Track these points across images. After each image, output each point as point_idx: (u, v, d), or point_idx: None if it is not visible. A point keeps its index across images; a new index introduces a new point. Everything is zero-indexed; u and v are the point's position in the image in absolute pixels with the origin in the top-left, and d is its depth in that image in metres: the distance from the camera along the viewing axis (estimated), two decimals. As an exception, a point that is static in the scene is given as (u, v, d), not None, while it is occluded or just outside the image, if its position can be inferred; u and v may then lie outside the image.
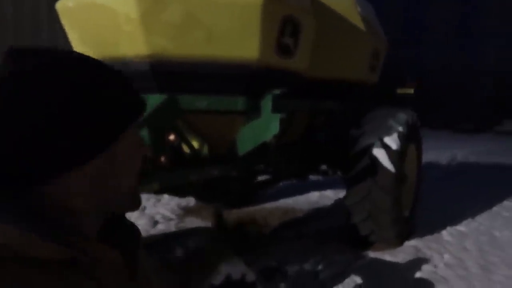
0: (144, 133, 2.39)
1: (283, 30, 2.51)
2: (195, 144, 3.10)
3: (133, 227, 0.68)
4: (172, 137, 2.48)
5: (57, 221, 0.53)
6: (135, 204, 0.63)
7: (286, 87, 2.71)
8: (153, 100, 2.48)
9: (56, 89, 0.52)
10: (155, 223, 4.41)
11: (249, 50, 2.39)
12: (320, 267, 3.34)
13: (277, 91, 2.60)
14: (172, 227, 4.34)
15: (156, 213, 4.69)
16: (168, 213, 4.70)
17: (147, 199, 4.92)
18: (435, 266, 3.35)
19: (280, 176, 4.09)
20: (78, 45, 2.57)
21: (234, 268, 1.69)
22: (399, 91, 4.10)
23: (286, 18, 2.46)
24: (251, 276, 1.81)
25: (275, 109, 2.61)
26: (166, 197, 5.05)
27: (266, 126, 2.65)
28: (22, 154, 0.51)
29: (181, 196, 3.96)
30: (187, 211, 4.75)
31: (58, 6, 2.51)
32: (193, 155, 2.80)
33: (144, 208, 4.82)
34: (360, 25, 3.26)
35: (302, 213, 4.90)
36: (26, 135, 0.50)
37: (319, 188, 5.86)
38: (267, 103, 2.63)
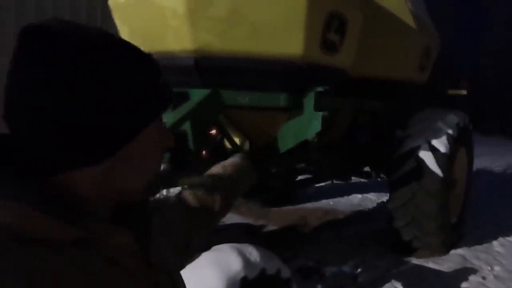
0: (187, 126, 2.44)
1: (329, 26, 2.46)
2: (237, 139, 3.12)
3: (145, 206, 0.64)
4: (213, 131, 2.51)
5: (65, 201, 0.52)
6: (148, 195, 0.61)
7: (330, 85, 2.66)
8: (197, 94, 2.52)
9: (72, 84, 0.48)
10: (196, 217, 4.49)
11: (293, 46, 2.36)
12: (358, 270, 3.26)
13: (320, 88, 2.55)
14: (211, 221, 4.40)
15: (197, 207, 4.77)
16: (208, 208, 4.76)
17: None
18: (484, 278, 3.16)
19: (321, 176, 4.02)
20: (126, 37, 2.65)
21: (269, 263, 1.69)
22: (451, 91, 3.88)
23: (332, 13, 2.41)
24: (286, 272, 1.80)
25: (318, 106, 2.57)
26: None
27: (308, 124, 2.61)
28: (34, 145, 0.49)
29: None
30: (227, 207, 4.80)
31: (111, 2, 2.62)
32: (235, 151, 2.82)
33: (186, 202, 4.92)
34: (410, 21, 3.14)
35: (343, 214, 4.81)
36: (39, 125, 0.48)
37: (362, 190, 5.72)
38: (309, 101, 2.59)
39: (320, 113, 2.55)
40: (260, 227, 4.29)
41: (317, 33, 2.41)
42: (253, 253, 1.61)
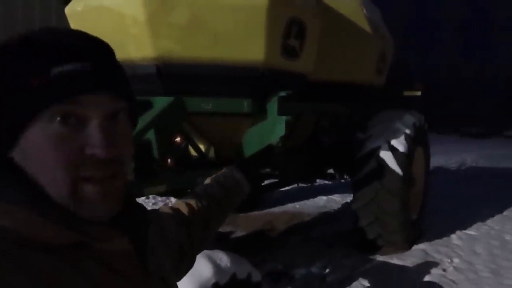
0: (151, 135, 2.41)
1: (289, 32, 2.51)
2: (202, 146, 3.11)
3: (144, 215, 0.64)
4: (178, 139, 2.49)
5: (63, 205, 0.51)
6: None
7: (292, 89, 2.71)
8: (160, 102, 2.49)
9: None
10: (162, 227, 4.41)
11: (255, 52, 2.40)
12: (327, 270, 3.32)
13: (283, 93, 2.60)
14: (179, 231, 4.34)
15: (163, 217, 4.70)
16: (175, 217, 4.70)
17: (154, 201, 4.93)
18: (444, 270, 3.31)
19: (286, 180, 4.07)
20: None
21: (240, 267, 1.69)
22: (406, 93, 4.05)
23: (292, 19, 2.47)
24: (256, 276, 1.81)
25: (281, 111, 2.61)
26: (173, 199, 5.06)
27: (272, 129, 2.65)
28: None
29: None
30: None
31: (67, 10, 2.55)
32: (200, 158, 2.81)
33: (152, 212, 4.82)
34: (366, 27, 3.26)
35: (310, 217, 4.88)
36: None
37: (327, 192, 5.84)
38: (273, 105, 2.63)
39: (284, 118, 2.60)
40: (228, 233, 4.28)
41: (278, 39, 2.46)
42: (223, 259, 1.61)
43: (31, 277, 0.45)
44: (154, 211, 0.84)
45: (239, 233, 4.31)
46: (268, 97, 2.64)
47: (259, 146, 2.75)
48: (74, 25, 2.57)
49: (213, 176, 1.02)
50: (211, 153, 3.07)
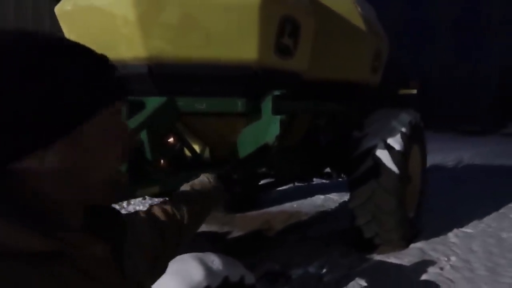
0: (143, 136, 2.38)
1: (282, 31, 2.49)
2: (197, 147, 3.08)
3: (120, 219, 0.65)
4: (171, 140, 2.46)
5: (40, 212, 0.51)
6: (109, 198, 0.60)
7: (286, 88, 2.69)
8: (152, 102, 2.46)
9: (5, 67, 0.49)
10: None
11: (247, 51, 2.37)
12: (324, 270, 3.30)
13: (277, 92, 2.57)
14: (175, 232, 4.32)
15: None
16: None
17: (150, 202, 4.90)
18: (441, 269, 3.29)
19: (283, 179, 4.05)
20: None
21: (232, 270, 1.67)
22: (402, 91, 4.00)
23: (285, 18, 2.45)
24: (250, 279, 1.79)
25: (276, 110, 2.58)
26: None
27: (267, 128, 2.62)
28: None
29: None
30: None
31: (57, 9, 2.52)
32: (194, 158, 2.78)
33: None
34: (361, 25, 3.24)
35: (307, 216, 4.86)
36: None
37: (324, 191, 5.82)
38: (267, 105, 2.60)
39: (278, 117, 2.57)
40: (225, 234, 4.26)
41: (271, 38, 2.43)
42: (216, 262, 1.59)
43: (7, 286, 0.44)
44: (128, 215, 0.83)
45: (236, 233, 4.29)
46: (263, 97, 2.62)
47: (254, 146, 2.75)
48: (64, 25, 2.54)
49: (190, 182, 1.03)
50: (206, 154, 3.04)
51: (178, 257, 1.61)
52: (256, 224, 4.52)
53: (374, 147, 3.38)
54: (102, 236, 0.59)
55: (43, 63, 0.51)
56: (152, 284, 0.78)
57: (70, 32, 2.54)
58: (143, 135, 2.37)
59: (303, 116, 3.41)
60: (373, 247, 3.60)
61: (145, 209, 0.90)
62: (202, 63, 2.36)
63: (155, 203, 0.91)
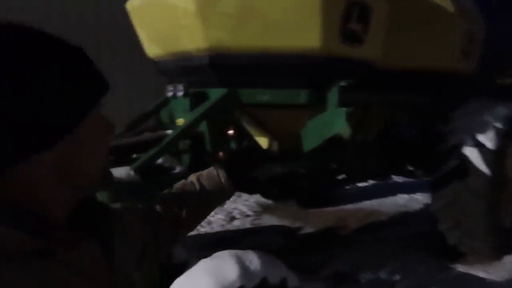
0: (203, 127, 2.39)
1: (349, 15, 2.30)
2: (264, 140, 3.03)
3: (107, 212, 0.65)
4: (231, 132, 2.43)
5: (25, 210, 0.51)
6: (96, 188, 0.62)
7: (355, 78, 2.49)
8: (215, 94, 2.46)
9: (11, 72, 0.49)
10: (232, 218, 4.46)
11: (310, 39, 2.24)
12: (397, 276, 3.03)
13: (343, 83, 2.40)
14: (247, 223, 4.34)
15: (234, 208, 4.74)
16: (246, 210, 4.72)
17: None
18: (543, 288, 2.81)
19: (356, 176, 3.81)
20: (146, 42, 2.66)
21: (272, 271, 1.58)
22: (500, 81, 3.42)
23: (352, 2, 2.25)
24: (293, 281, 1.68)
25: (342, 102, 2.42)
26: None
27: (332, 121, 2.46)
28: None
29: (250, 194, 3.93)
30: (265, 209, 4.72)
31: (128, 5, 2.63)
32: (261, 151, 2.73)
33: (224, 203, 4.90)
34: (447, 5, 2.87)
35: (386, 216, 4.54)
36: None
37: (409, 190, 5.38)
38: (332, 96, 2.45)
39: (344, 109, 2.40)
40: (296, 229, 4.16)
41: (336, 24, 2.26)
42: (254, 261, 1.51)
43: None
44: (116, 208, 0.80)
45: (308, 229, 4.17)
46: (328, 87, 2.46)
47: (319, 139, 2.61)
48: (135, 20, 2.65)
49: (198, 173, 0.97)
50: (274, 147, 2.97)
51: (216, 254, 1.57)
52: (330, 221, 4.34)
53: (461, 144, 3.00)
54: (90, 231, 0.58)
55: (34, 68, 0.51)
56: (141, 278, 0.74)
57: (140, 27, 2.65)
58: (203, 127, 2.38)
59: (379, 108, 3.16)
60: (456, 256, 3.22)
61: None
62: (262, 52, 2.29)
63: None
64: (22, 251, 0.48)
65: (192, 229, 0.95)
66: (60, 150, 0.53)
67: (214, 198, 0.95)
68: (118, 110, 2.54)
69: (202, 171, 0.98)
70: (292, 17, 2.18)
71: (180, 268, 1.63)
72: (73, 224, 0.58)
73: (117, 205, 0.81)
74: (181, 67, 2.51)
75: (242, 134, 2.53)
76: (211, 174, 0.96)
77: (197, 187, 0.92)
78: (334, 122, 2.45)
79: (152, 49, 2.64)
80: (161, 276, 1.07)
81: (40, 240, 0.50)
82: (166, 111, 2.72)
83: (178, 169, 2.25)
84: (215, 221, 4.33)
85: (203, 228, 4.12)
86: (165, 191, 0.92)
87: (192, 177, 0.96)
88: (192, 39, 2.32)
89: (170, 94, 2.56)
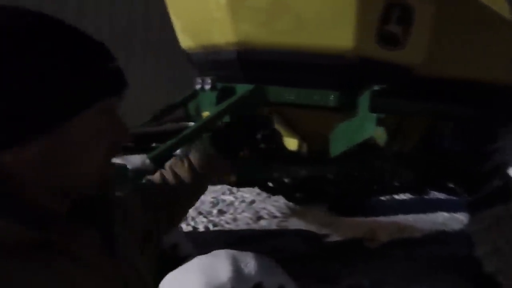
0: (226, 121, 2.35)
1: (388, 16, 2.16)
2: (293, 141, 2.95)
3: (107, 199, 0.63)
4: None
5: (22, 201, 0.50)
6: (95, 189, 0.58)
7: (391, 84, 2.34)
8: (242, 89, 2.42)
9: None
10: (259, 218, 4.40)
11: (343, 39, 2.13)
12: (422, 299, 2.84)
13: (377, 87, 2.26)
14: (273, 224, 4.27)
15: (263, 208, 4.69)
16: (274, 211, 4.65)
17: (258, 193, 4.94)
18: None
19: (389, 187, 3.62)
20: (179, 33, 2.67)
21: (269, 277, 1.50)
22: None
23: (392, 2, 2.11)
24: (291, 289, 1.59)
25: (373, 107, 2.28)
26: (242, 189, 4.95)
27: (361, 126, 2.34)
28: None
29: (273, 194, 3.84)
30: (293, 212, 4.62)
31: (166, -3, 2.65)
32: (284, 151, 2.66)
33: (253, 201, 4.87)
34: (503, 8, 2.62)
35: (421, 233, 4.29)
36: None
37: (450, 208, 5.06)
38: (364, 100, 2.31)
39: (375, 115, 2.26)
40: (322, 236, 4.03)
41: (373, 24, 2.13)
42: (250, 264, 1.44)
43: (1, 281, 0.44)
44: (116, 195, 0.80)
45: (335, 237, 4.03)
46: (360, 91, 2.33)
47: (346, 145, 2.48)
48: (171, 11, 2.66)
49: (190, 155, 0.96)
50: (304, 149, 2.89)
51: (213, 252, 1.51)
52: (359, 231, 4.17)
53: (507, 164, 2.74)
54: (90, 221, 0.58)
55: (26, 53, 0.48)
56: (144, 265, 0.73)
57: (176, 18, 2.65)
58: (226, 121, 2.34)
59: (418, 118, 2.96)
60: (493, 286, 2.95)
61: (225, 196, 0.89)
62: (292, 49, 2.21)
63: (226, 190, 0.91)
64: (22, 245, 0.47)
65: (186, 212, 0.97)
66: (42, 147, 0.50)
67: (206, 177, 0.95)
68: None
69: (193, 151, 0.98)
70: (326, 14, 2.08)
71: (183, 261, 1.60)
72: (72, 214, 0.57)
73: (117, 193, 0.80)
74: (211, 61, 2.49)
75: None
76: (202, 155, 0.95)
77: (186, 164, 0.92)
78: (364, 128, 2.32)
79: (184, 40, 2.64)
80: (160, 266, 1.05)
81: (40, 232, 0.48)
82: (194, 104, 2.72)
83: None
84: (241, 218, 4.30)
85: (228, 225, 4.11)
86: (159, 174, 0.93)
87: (182, 159, 0.95)
88: (222, 32, 2.28)
89: (198, 86, 2.54)
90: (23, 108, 0.47)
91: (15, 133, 0.47)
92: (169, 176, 0.90)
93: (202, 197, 1.15)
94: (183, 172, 0.91)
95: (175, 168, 0.92)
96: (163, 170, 0.92)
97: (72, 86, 0.49)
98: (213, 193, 4.84)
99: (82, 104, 0.51)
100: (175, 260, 1.82)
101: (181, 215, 0.96)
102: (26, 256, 0.47)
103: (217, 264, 1.42)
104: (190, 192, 0.93)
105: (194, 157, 0.94)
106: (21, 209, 0.49)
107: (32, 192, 0.51)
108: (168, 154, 2.10)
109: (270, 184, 3.39)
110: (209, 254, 1.50)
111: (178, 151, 2.23)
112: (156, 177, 0.90)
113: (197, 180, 0.93)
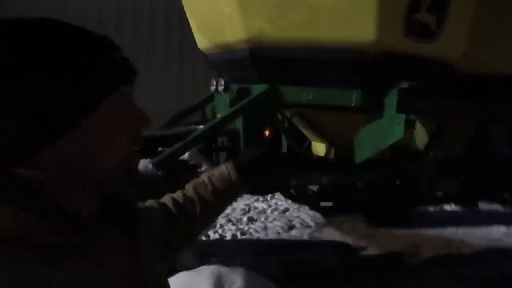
0: (238, 124, 2.20)
1: (418, 3, 1.90)
2: (321, 146, 2.75)
3: (132, 204, 0.63)
4: (267, 132, 2.19)
5: (50, 202, 0.50)
6: (122, 184, 0.58)
7: (424, 81, 2.07)
8: (257, 90, 2.26)
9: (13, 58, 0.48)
10: (291, 227, 4.20)
11: (363, 31, 1.91)
12: (466, 326, 2.49)
13: (405, 85, 2.00)
14: (305, 234, 4.04)
15: (296, 217, 4.48)
16: (308, 220, 4.42)
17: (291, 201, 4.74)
18: None
19: (432, 198, 3.28)
20: (196, 34, 2.57)
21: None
22: None
23: (420, -14, 1.86)
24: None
25: (402, 108, 2.02)
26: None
27: (388, 129, 2.09)
28: None
29: (297, 202, 3.61)
30: (329, 222, 4.36)
31: (182, -3, 2.56)
32: (297, 155, 2.47)
33: (286, 209, 4.67)
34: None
35: (472, 249, 3.85)
36: None
37: (509, 223, 4.54)
38: (391, 100, 2.07)
39: (403, 116, 2.01)
40: (358, 248, 3.74)
41: (399, 13, 1.89)
42: (236, 284, 1.27)
43: (23, 278, 0.44)
44: (141, 204, 0.82)
45: (371, 250, 3.72)
46: (387, 89, 2.08)
47: (372, 150, 2.24)
48: (187, 11, 2.58)
49: (208, 173, 0.97)
50: (331, 154, 2.68)
51: (198, 268, 1.37)
52: (399, 245, 3.82)
53: None
54: (116, 225, 0.58)
55: (45, 53, 0.49)
56: (164, 273, 0.73)
57: (191, 18, 2.56)
58: (239, 124, 2.19)
59: (462, 120, 2.64)
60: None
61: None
62: (307, 45, 2.03)
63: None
64: (50, 244, 0.48)
65: (203, 229, 0.98)
66: (68, 145, 0.50)
67: (226, 198, 0.96)
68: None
69: (213, 170, 0.99)
70: (343, 3, 1.88)
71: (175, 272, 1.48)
72: (98, 216, 0.58)
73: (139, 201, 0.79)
74: (226, 61, 2.36)
75: (278, 136, 2.28)
76: (222, 173, 0.95)
77: (209, 187, 0.93)
78: (391, 131, 2.07)
79: (201, 41, 2.54)
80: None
81: (65, 231, 0.49)
82: (210, 106, 2.60)
83: (204, 167, 2.09)
84: (271, 227, 4.11)
85: (256, 234, 3.94)
86: (178, 191, 0.94)
87: (204, 177, 0.96)
88: (232, 29, 2.15)
89: (212, 88, 2.42)
90: (50, 107, 0.49)
91: (48, 131, 0.49)
92: (192, 197, 0.91)
93: (234, 204, 1.13)
94: (207, 195, 0.92)
95: (199, 189, 0.93)
96: (185, 191, 0.93)
97: (90, 79, 0.51)
98: (246, 199, 4.71)
99: (101, 94, 0.52)
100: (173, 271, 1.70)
101: (198, 234, 0.97)
102: (49, 257, 0.48)
103: (198, 282, 1.26)
104: (210, 214, 0.95)
105: (216, 181, 0.95)
106: (47, 209, 0.49)
107: (58, 192, 0.51)
108: (174, 159, 2.00)
109: (293, 192, 3.19)
110: (193, 270, 1.36)
111: (185, 156, 2.12)
112: (178, 195, 0.91)
113: (218, 204, 0.95)
